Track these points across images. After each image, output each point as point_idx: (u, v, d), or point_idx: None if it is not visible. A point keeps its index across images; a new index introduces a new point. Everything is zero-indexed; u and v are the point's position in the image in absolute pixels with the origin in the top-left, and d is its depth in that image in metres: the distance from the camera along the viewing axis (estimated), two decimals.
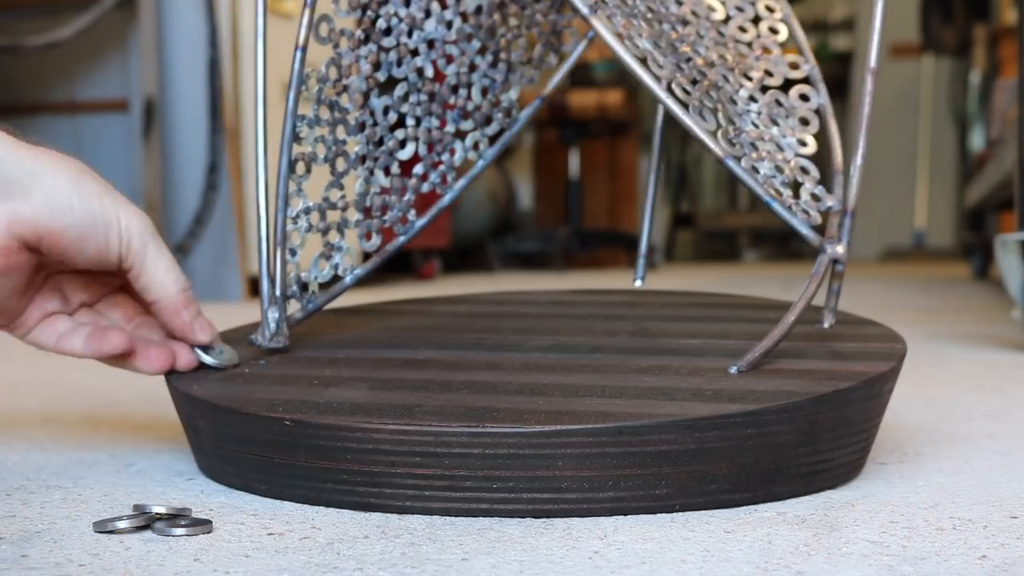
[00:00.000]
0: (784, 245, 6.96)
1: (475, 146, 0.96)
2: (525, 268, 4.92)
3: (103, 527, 0.64)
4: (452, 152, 0.95)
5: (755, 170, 0.80)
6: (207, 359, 0.80)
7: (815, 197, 0.82)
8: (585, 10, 0.77)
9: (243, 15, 2.78)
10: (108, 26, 2.75)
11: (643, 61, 0.78)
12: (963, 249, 5.22)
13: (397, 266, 3.87)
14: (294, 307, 0.86)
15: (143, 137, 2.73)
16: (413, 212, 0.92)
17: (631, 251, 4.95)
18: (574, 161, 5.05)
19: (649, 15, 0.84)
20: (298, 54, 0.82)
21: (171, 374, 0.82)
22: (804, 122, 0.87)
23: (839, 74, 6.84)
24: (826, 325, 0.84)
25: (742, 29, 0.92)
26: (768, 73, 0.89)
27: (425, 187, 0.93)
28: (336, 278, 0.89)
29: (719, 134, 0.80)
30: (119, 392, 1.23)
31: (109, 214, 0.72)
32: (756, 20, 0.93)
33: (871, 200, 6.80)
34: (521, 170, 5.49)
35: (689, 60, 0.83)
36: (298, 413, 0.69)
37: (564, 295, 1.09)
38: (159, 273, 0.75)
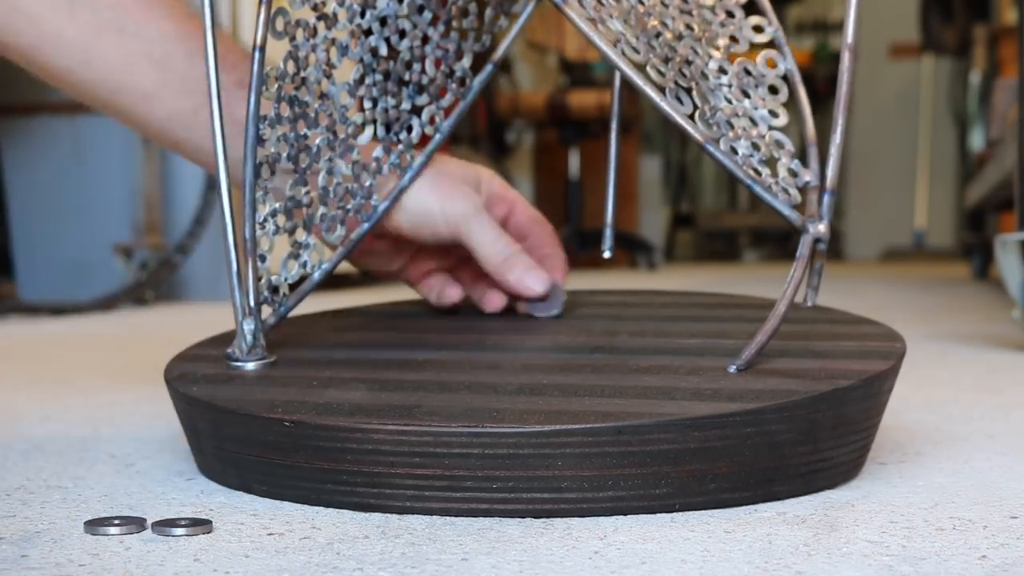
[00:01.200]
0: (784, 245, 6.96)
1: (431, 120, 0.94)
2: None
3: (94, 530, 0.64)
4: (409, 129, 0.93)
5: (733, 151, 0.79)
6: (534, 311, 0.94)
7: (792, 172, 0.81)
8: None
9: (243, 15, 2.78)
10: None
11: (615, 44, 0.77)
12: (963, 249, 5.22)
13: None
14: (265, 312, 0.84)
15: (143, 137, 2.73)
16: (375, 197, 0.91)
17: (632, 251, 4.95)
18: (574, 161, 5.04)
19: None
20: (256, 54, 0.78)
21: (170, 376, 0.82)
22: (773, 90, 0.86)
23: (837, 74, 6.84)
24: (808, 303, 0.83)
25: None
26: (733, 39, 0.87)
27: (385, 169, 0.91)
28: (304, 276, 0.88)
29: (696, 116, 0.79)
30: (119, 392, 1.23)
31: (432, 209, 0.91)
32: None
33: (871, 200, 6.80)
34: (521, 170, 5.49)
35: (659, 35, 0.82)
36: (298, 414, 0.69)
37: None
38: (482, 249, 0.91)
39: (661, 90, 0.78)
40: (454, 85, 0.96)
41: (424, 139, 0.95)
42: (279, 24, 0.81)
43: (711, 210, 7.32)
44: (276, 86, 0.82)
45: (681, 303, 1.04)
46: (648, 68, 0.78)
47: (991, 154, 3.45)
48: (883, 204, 6.74)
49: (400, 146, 0.93)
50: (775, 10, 0.95)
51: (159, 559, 0.59)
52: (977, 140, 5.16)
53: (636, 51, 0.79)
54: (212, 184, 2.73)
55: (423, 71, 0.94)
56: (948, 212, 6.66)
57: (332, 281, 0.90)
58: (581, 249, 4.82)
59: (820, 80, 6.61)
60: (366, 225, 0.91)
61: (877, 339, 0.84)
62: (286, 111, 0.84)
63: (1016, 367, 1.43)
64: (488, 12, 0.98)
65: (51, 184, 2.88)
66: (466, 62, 0.96)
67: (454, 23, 0.95)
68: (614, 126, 1.00)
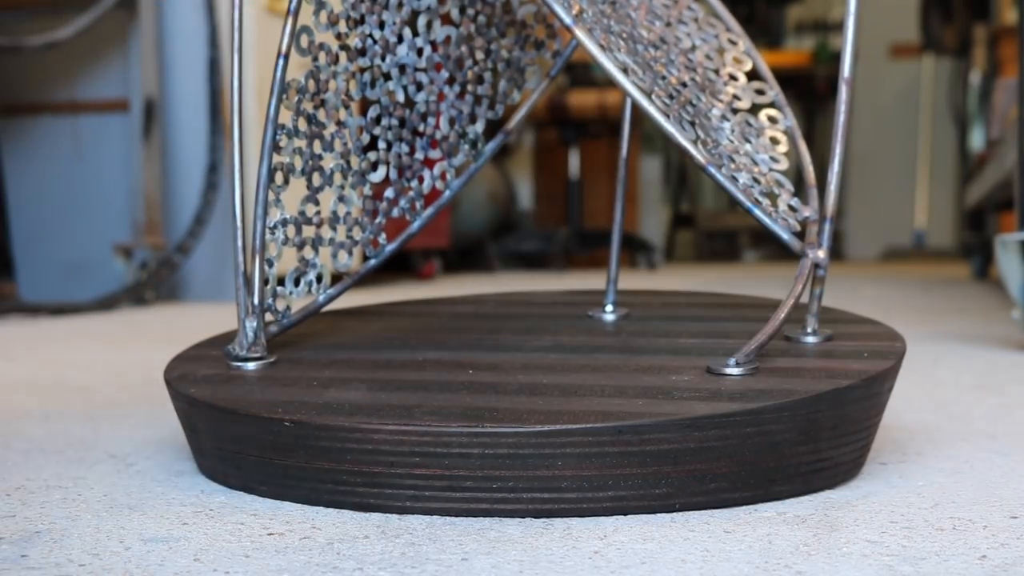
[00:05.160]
0: (784, 245, 6.95)
1: (442, 176, 0.97)
2: (525, 268, 4.92)
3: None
4: (420, 180, 0.95)
5: (734, 179, 0.81)
6: None
7: (791, 208, 0.84)
8: (568, 20, 0.78)
9: (244, 15, 2.78)
10: (108, 26, 2.75)
11: (624, 71, 0.79)
12: (963, 249, 5.21)
13: (397, 266, 3.87)
14: (267, 319, 0.86)
15: (143, 137, 2.73)
16: (384, 236, 0.93)
17: (632, 251, 4.95)
18: (574, 161, 5.05)
19: (624, 36, 0.85)
20: (280, 61, 0.81)
21: (170, 376, 0.82)
22: (774, 141, 0.89)
23: (837, 74, 6.84)
24: (809, 329, 0.84)
25: (708, 57, 0.94)
26: (736, 97, 0.91)
27: (395, 212, 0.94)
28: (310, 294, 0.90)
29: (698, 144, 0.81)
30: (119, 392, 1.23)
31: None
32: (720, 51, 0.96)
33: (871, 200, 6.80)
34: (521, 170, 5.49)
35: (664, 78, 0.85)
36: (298, 414, 0.69)
37: (564, 295, 1.09)
38: None
39: (666, 116, 0.80)
40: (466, 147, 0.99)
41: (434, 192, 0.98)
42: (303, 41, 0.84)
43: (711, 210, 7.32)
44: (296, 98, 0.85)
45: (681, 303, 1.04)
46: (654, 97, 0.80)
47: (991, 154, 3.45)
48: (883, 204, 6.74)
49: (411, 193, 0.95)
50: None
51: (159, 559, 0.59)
52: (977, 140, 5.15)
53: (643, 80, 0.81)
54: (212, 184, 2.73)
55: (437, 126, 0.96)
56: (948, 212, 6.65)
57: (332, 281, 0.91)
58: (581, 249, 4.82)
59: (820, 80, 6.62)
60: (373, 262, 0.94)
61: (877, 339, 0.84)
62: (304, 126, 0.86)
63: (1016, 367, 1.43)
64: (502, 84, 1.01)
65: (51, 184, 2.88)
66: (479, 127, 0.99)
67: (469, 87, 0.98)
68: (623, 153, 1.02)
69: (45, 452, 0.89)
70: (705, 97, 0.88)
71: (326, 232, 0.89)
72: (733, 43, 0.97)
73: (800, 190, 0.87)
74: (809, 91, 6.66)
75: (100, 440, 0.94)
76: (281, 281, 0.88)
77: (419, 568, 0.57)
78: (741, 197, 0.80)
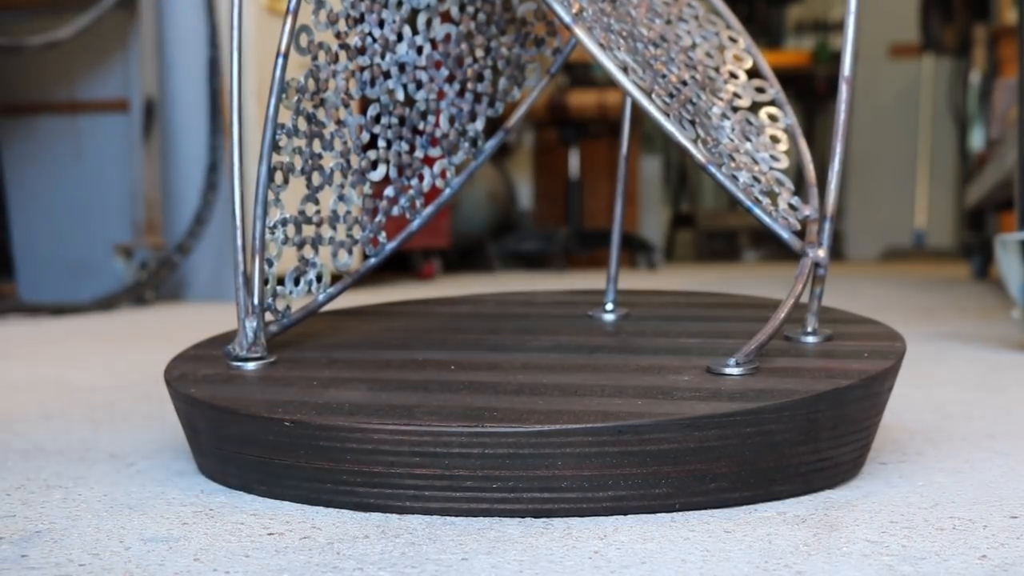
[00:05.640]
0: (784, 245, 6.94)
1: (442, 174, 0.97)
2: (525, 268, 4.92)
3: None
4: (420, 178, 0.95)
5: (734, 178, 0.81)
6: None
7: (792, 207, 0.84)
8: (567, 19, 0.78)
9: (244, 14, 2.78)
10: (108, 26, 2.75)
11: (624, 70, 0.79)
12: (963, 249, 5.21)
13: (397, 266, 3.87)
14: (267, 319, 0.86)
15: (143, 137, 2.73)
16: (384, 234, 0.93)
17: (632, 251, 4.95)
18: (574, 161, 5.05)
19: (624, 34, 0.85)
20: (279, 61, 0.81)
21: (170, 376, 0.82)
22: (775, 139, 0.90)
23: (837, 74, 6.83)
24: (809, 328, 0.84)
25: (708, 55, 0.94)
26: (736, 95, 0.91)
27: (395, 211, 0.94)
28: (310, 293, 0.90)
29: (698, 142, 0.81)
30: (119, 392, 1.23)
31: None
32: (721, 49, 0.96)
33: (871, 200, 6.80)
34: (521, 170, 5.49)
35: (664, 76, 0.85)
36: (298, 414, 0.69)
37: (564, 295, 1.09)
38: None
39: (666, 115, 0.80)
40: (467, 144, 0.99)
41: (434, 191, 0.98)
42: (303, 40, 0.84)
43: (711, 210, 7.33)
44: (296, 98, 0.85)
45: (681, 303, 1.04)
46: (654, 96, 0.80)
47: (991, 154, 3.45)
48: (883, 204, 6.74)
49: (411, 191, 0.95)
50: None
51: (159, 559, 0.59)
52: (977, 140, 5.15)
53: (643, 79, 0.81)
54: (212, 184, 2.73)
55: (437, 124, 0.97)
56: (948, 212, 6.66)
57: (332, 280, 0.91)
58: (581, 249, 4.82)
59: (820, 80, 6.62)
60: (373, 260, 0.94)
61: (877, 339, 0.84)
62: (303, 125, 0.86)
63: (1016, 367, 1.43)
64: (502, 81, 1.01)
65: (51, 184, 2.88)
66: (479, 124, 1.00)
67: (469, 85, 0.99)
68: (623, 152, 1.02)
69: (45, 452, 0.89)
70: (705, 95, 0.88)
71: (326, 231, 0.89)
72: (733, 40, 0.97)
73: (800, 189, 0.87)
74: (809, 91, 6.66)
75: (100, 440, 0.94)
76: (281, 281, 0.88)
77: (419, 568, 0.57)
78: (741, 196, 0.80)
